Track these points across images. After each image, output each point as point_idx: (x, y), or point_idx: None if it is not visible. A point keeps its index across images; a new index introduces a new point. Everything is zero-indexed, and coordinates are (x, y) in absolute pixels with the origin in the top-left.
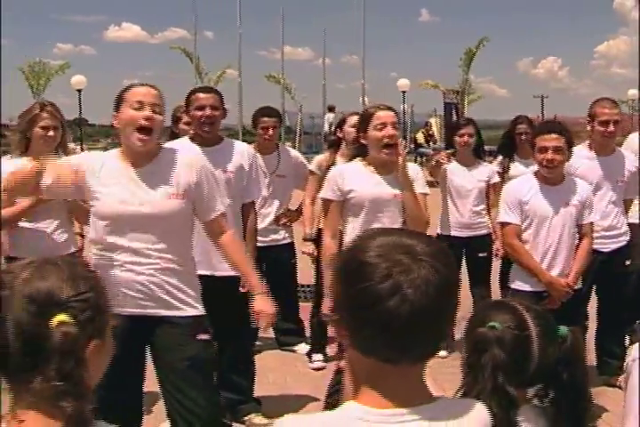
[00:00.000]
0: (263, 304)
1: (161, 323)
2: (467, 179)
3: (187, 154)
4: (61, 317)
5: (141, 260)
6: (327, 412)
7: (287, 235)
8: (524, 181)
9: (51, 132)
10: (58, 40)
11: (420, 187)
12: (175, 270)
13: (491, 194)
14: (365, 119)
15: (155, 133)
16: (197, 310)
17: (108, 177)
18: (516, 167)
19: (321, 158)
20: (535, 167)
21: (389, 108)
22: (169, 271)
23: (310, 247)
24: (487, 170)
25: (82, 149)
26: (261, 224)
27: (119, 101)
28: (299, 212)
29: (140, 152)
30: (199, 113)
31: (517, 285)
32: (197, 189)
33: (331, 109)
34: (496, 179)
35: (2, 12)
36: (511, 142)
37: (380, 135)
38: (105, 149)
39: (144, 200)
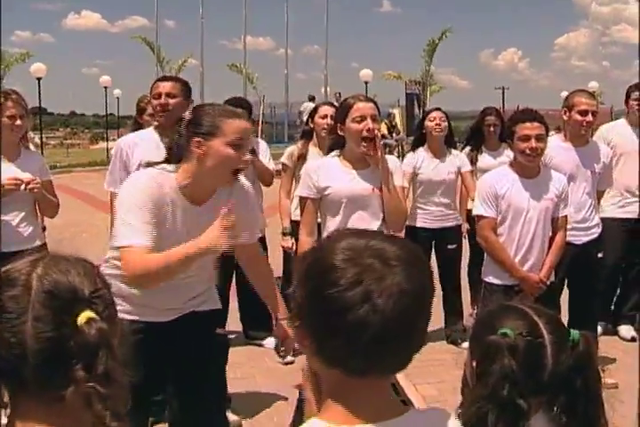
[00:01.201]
0: (288, 332)
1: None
2: (436, 171)
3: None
4: (88, 313)
5: None
6: None
7: None
8: (500, 173)
9: (18, 121)
10: (16, 27)
11: (398, 179)
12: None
13: (466, 182)
14: (344, 110)
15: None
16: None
17: None
18: (484, 158)
19: (292, 149)
20: (503, 159)
21: (369, 100)
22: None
23: (289, 242)
24: (457, 160)
25: (41, 139)
26: None
27: None
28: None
29: None
30: (155, 102)
31: (490, 278)
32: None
33: (311, 99)
34: (468, 167)
35: None
36: (479, 134)
37: (359, 128)
38: (64, 138)
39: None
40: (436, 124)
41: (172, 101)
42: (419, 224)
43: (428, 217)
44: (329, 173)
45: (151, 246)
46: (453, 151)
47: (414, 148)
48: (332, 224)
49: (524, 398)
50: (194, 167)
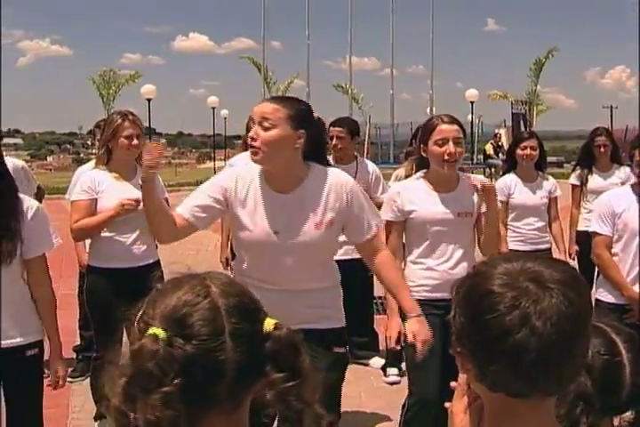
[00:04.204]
0: (419, 327)
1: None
2: (528, 196)
3: (334, 175)
4: (270, 319)
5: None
6: None
7: None
8: (619, 193)
9: (135, 141)
10: (127, 50)
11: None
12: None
13: (552, 208)
14: (427, 131)
15: (264, 151)
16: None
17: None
18: (594, 179)
19: (399, 171)
20: (614, 180)
21: (453, 121)
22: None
23: None
24: (548, 184)
25: None
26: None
27: None
28: None
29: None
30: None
31: (602, 295)
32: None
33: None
34: (557, 192)
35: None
36: (590, 154)
37: (440, 151)
38: (172, 158)
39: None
40: (526, 155)
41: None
42: (511, 247)
43: (521, 241)
44: (413, 196)
45: (185, 217)
46: (545, 175)
47: (505, 173)
48: (415, 247)
49: (599, 418)
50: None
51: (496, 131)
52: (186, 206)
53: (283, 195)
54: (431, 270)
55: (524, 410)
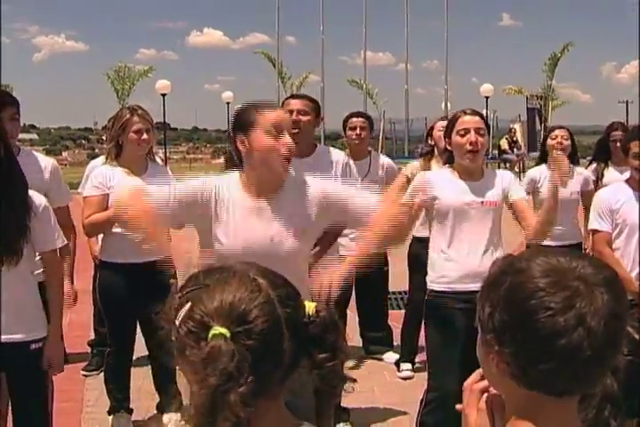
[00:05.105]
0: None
1: None
2: (560, 193)
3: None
4: (309, 302)
5: None
6: None
7: None
8: (615, 188)
9: (144, 136)
10: (141, 46)
11: (519, 192)
12: None
13: (585, 202)
14: (450, 124)
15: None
16: None
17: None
18: (610, 174)
19: (413, 165)
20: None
21: (475, 113)
22: None
23: None
24: (581, 178)
25: (165, 153)
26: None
27: None
28: None
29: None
30: None
31: None
32: None
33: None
34: (590, 186)
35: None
36: (606, 149)
37: (462, 141)
38: (186, 153)
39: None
40: (558, 143)
41: (303, 119)
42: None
43: (551, 235)
44: (439, 182)
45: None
46: (577, 169)
47: (537, 164)
48: (438, 237)
49: (623, 420)
50: (247, 165)
51: (511, 126)
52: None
53: (264, 201)
54: (454, 262)
55: (550, 407)
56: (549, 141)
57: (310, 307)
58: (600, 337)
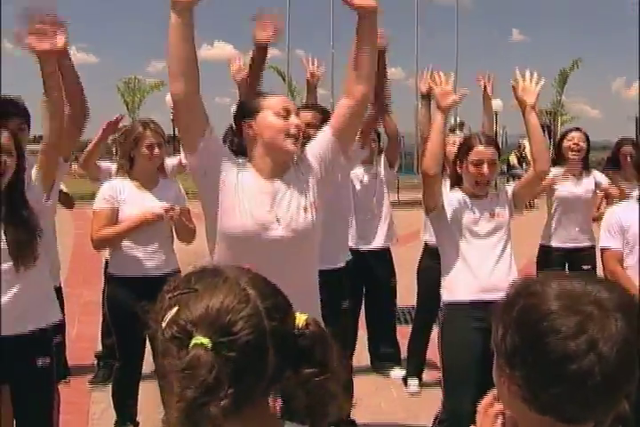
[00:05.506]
0: None
1: None
2: (572, 189)
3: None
4: (300, 314)
5: None
6: None
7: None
8: (626, 206)
9: (156, 150)
10: (152, 58)
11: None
12: None
13: (599, 204)
14: (464, 150)
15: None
16: None
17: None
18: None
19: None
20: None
21: (489, 143)
22: None
23: None
24: (594, 178)
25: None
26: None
27: None
28: None
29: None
30: None
31: None
32: None
33: (461, 125)
34: (605, 183)
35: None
36: (616, 164)
37: (475, 172)
38: None
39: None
40: (574, 144)
41: (312, 132)
42: (554, 244)
43: (564, 237)
44: (450, 200)
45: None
46: (593, 171)
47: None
48: (450, 248)
49: None
50: (256, 149)
51: (520, 141)
52: None
53: (273, 181)
54: (467, 274)
55: None
56: (565, 143)
57: (300, 319)
58: (612, 363)
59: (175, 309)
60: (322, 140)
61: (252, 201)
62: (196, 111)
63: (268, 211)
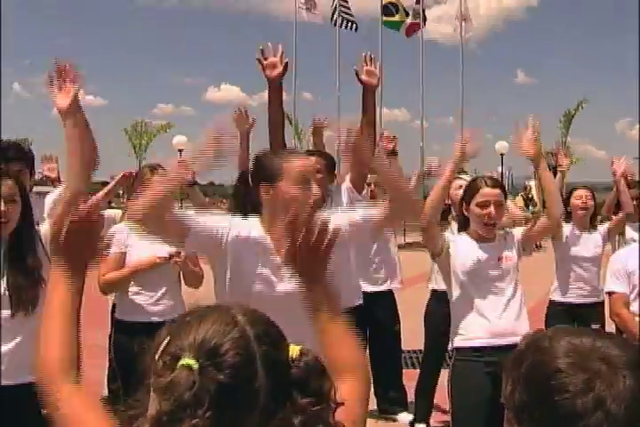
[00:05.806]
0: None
1: None
2: (581, 246)
3: None
4: (294, 346)
5: None
6: None
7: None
8: (630, 250)
9: None
10: (159, 100)
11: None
12: None
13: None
14: (470, 192)
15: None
16: None
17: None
18: (628, 232)
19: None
20: None
21: (495, 185)
22: None
23: None
24: (601, 236)
25: (180, 208)
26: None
27: None
28: None
29: None
30: None
31: None
32: None
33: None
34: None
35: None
36: (621, 206)
37: (481, 213)
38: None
39: None
40: (582, 203)
41: (317, 177)
42: (561, 299)
43: (572, 292)
44: (456, 246)
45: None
46: (598, 227)
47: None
48: (459, 293)
49: None
50: (269, 211)
51: (526, 183)
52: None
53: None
54: (478, 318)
55: None
56: (574, 201)
57: (294, 350)
58: (620, 421)
59: (167, 339)
60: (351, 224)
61: (266, 264)
62: (169, 228)
63: (277, 267)
